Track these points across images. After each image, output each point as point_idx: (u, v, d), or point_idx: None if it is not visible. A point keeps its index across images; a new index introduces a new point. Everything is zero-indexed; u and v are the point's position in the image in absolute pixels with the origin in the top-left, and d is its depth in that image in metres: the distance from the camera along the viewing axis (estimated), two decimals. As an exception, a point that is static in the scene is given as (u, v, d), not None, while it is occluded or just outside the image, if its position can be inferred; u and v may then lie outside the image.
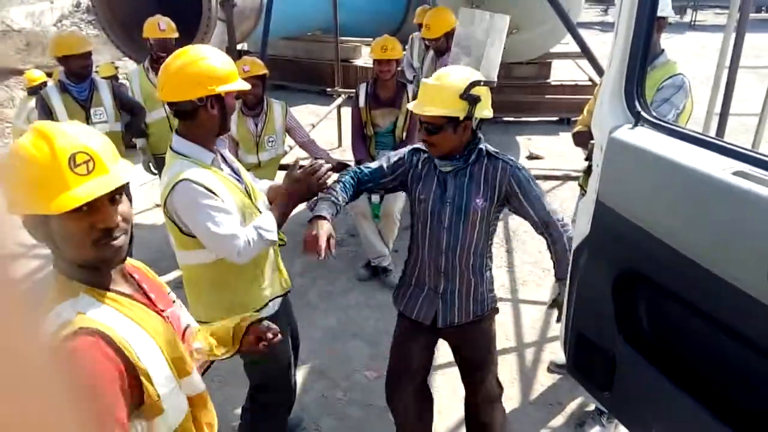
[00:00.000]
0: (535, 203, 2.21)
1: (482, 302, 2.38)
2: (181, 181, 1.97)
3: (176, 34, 4.54)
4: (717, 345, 1.34)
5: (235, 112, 4.07)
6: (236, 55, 5.08)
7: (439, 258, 2.30)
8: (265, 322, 1.78)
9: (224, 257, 2.06)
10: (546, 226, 2.22)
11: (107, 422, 1.12)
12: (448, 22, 4.57)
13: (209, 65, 1.97)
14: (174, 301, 1.56)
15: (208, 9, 5.72)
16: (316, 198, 2.26)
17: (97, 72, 7.01)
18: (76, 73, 3.88)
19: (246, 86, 2.09)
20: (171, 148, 2.08)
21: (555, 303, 2.36)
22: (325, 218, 2.11)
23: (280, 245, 2.51)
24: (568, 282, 1.91)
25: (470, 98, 2.08)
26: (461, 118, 2.10)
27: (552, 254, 2.27)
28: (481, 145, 2.24)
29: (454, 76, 2.13)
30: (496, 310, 2.48)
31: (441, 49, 4.64)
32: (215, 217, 1.96)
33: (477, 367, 2.50)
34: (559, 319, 2.39)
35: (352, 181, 2.34)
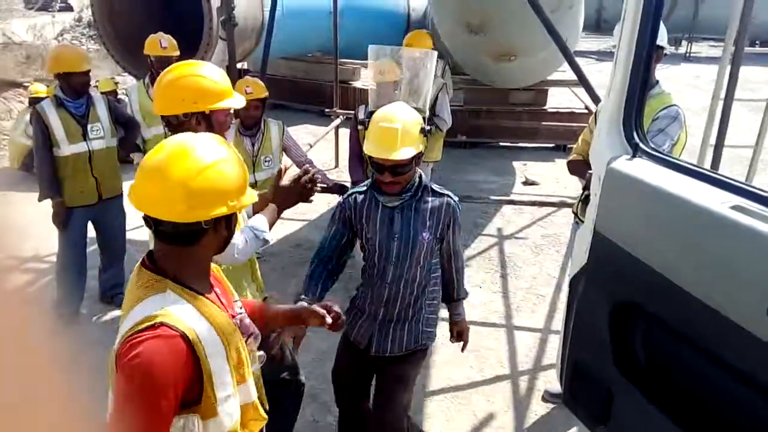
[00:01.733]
0: (456, 236, 2.42)
1: (417, 335, 2.44)
2: None
3: (177, 52, 4.56)
4: (715, 380, 1.33)
5: (232, 130, 4.11)
6: (236, 74, 5.10)
7: (383, 289, 2.37)
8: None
9: (220, 258, 2.03)
10: (455, 258, 2.48)
11: (152, 419, 1.21)
12: (425, 43, 4.77)
13: (196, 82, 1.98)
14: (241, 309, 1.59)
15: (209, 28, 5.77)
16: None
17: (96, 87, 7.04)
18: (76, 89, 3.86)
19: (237, 103, 2.09)
20: None
21: (456, 325, 2.60)
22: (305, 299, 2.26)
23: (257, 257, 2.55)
24: (565, 310, 1.90)
25: (425, 132, 2.23)
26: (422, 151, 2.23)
27: (452, 285, 2.53)
28: (425, 182, 2.34)
29: (406, 114, 2.24)
30: (425, 351, 2.54)
31: None
32: None
33: (389, 397, 2.53)
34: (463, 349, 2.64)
35: (319, 269, 2.42)
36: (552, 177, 7.32)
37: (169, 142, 1.38)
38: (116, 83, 7.67)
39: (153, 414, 1.22)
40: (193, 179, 1.29)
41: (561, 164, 7.65)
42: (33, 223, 4.91)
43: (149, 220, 1.34)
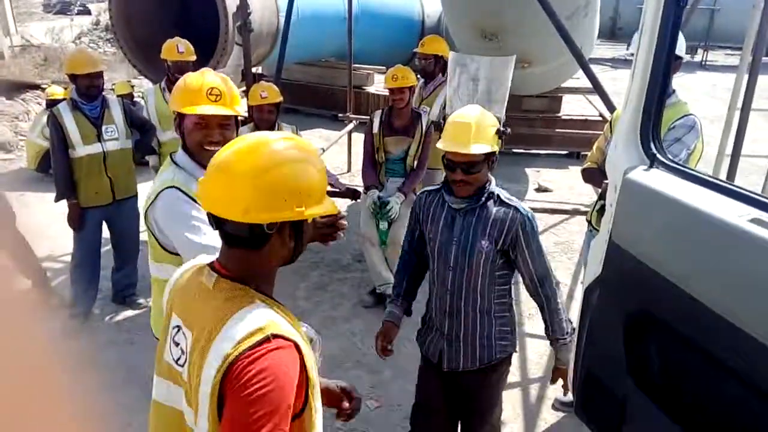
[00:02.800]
0: (535, 257, 2.21)
1: (489, 348, 2.31)
2: (168, 188, 1.96)
3: (194, 57, 4.60)
4: (730, 394, 1.32)
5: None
6: (252, 78, 5.14)
7: (444, 298, 2.30)
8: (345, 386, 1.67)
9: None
10: (541, 283, 2.24)
11: (276, 425, 1.14)
12: (441, 48, 4.77)
13: (179, 84, 2.02)
14: None
15: (225, 33, 5.82)
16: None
17: (112, 89, 7.12)
18: (83, 91, 3.92)
19: (210, 111, 1.95)
20: (170, 157, 2.09)
21: (558, 372, 2.33)
22: (393, 324, 2.43)
23: None
24: (578, 319, 1.89)
25: (501, 133, 2.15)
26: (495, 153, 2.16)
27: (544, 315, 2.28)
28: (494, 189, 2.24)
29: (482, 113, 2.19)
30: (508, 362, 2.41)
31: (428, 70, 4.84)
32: (197, 227, 1.89)
33: (474, 417, 2.48)
34: (566, 392, 2.39)
35: (408, 267, 2.49)
36: (565, 184, 7.29)
37: (249, 136, 1.30)
38: (132, 86, 7.74)
39: (280, 424, 1.15)
40: (258, 177, 1.19)
41: (574, 171, 7.62)
42: (48, 224, 4.97)
43: (212, 219, 1.28)
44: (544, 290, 2.24)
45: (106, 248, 4.37)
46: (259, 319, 1.20)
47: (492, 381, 2.41)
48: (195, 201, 1.88)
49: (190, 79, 2.00)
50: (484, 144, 2.11)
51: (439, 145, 2.20)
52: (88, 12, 18.26)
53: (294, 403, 1.19)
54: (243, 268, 1.29)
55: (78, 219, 3.99)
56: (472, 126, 2.11)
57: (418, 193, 2.45)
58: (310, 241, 2.03)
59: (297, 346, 1.21)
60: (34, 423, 0.45)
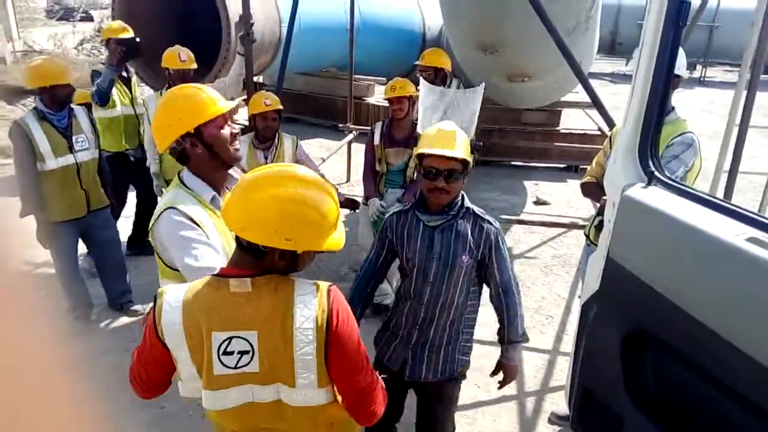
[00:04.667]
0: (502, 267, 2.32)
1: (452, 363, 2.40)
2: (167, 209, 1.93)
3: (195, 65, 4.61)
4: (727, 412, 1.32)
5: (245, 144, 4.16)
6: (253, 87, 5.17)
7: (419, 310, 2.34)
8: None
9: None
10: (505, 292, 2.34)
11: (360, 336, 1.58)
12: (441, 60, 4.83)
13: (176, 106, 1.94)
14: None
15: (227, 42, 5.85)
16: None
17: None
18: (61, 102, 3.76)
19: (227, 106, 1.98)
20: (178, 176, 2.06)
21: (505, 368, 2.43)
22: None
23: None
24: (576, 333, 1.89)
25: (474, 147, 2.24)
26: (470, 166, 2.22)
27: (502, 320, 2.38)
28: (467, 204, 2.31)
29: (457, 127, 2.27)
30: (464, 376, 2.50)
31: (429, 81, 4.84)
32: (194, 250, 1.88)
33: (431, 427, 2.52)
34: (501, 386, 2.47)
35: (360, 294, 2.46)
36: (563, 197, 7.31)
37: (275, 167, 1.55)
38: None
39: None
40: (264, 206, 1.43)
41: (572, 185, 7.64)
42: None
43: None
44: (507, 299, 2.36)
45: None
46: (310, 285, 1.52)
47: (449, 392, 2.48)
48: (193, 222, 1.89)
49: (191, 93, 1.98)
50: (466, 151, 2.19)
51: (423, 149, 2.21)
52: (90, 18, 18.34)
53: None
54: (257, 269, 1.50)
55: (49, 235, 3.81)
56: (456, 133, 2.20)
57: (386, 216, 2.44)
58: None
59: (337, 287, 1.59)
60: (33, 424, 0.46)
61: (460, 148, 2.17)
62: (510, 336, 2.40)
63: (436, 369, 2.39)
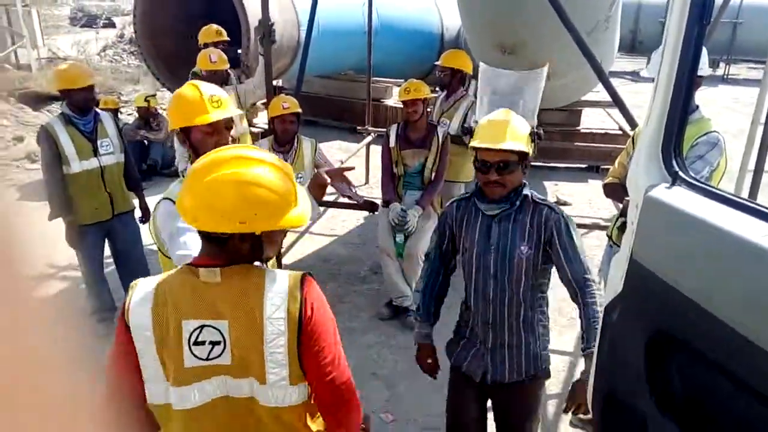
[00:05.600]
0: (570, 256, 2.12)
1: (535, 360, 2.27)
2: (163, 199, 2.01)
3: (227, 66, 4.71)
4: (754, 417, 1.29)
5: (265, 146, 4.19)
6: (272, 91, 5.21)
7: (487, 309, 2.23)
8: None
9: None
10: (580, 287, 2.12)
11: (336, 331, 1.55)
12: (459, 62, 4.83)
13: (174, 102, 2.06)
14: None
15: (247, 45, 5.91)
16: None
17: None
18: (78, 106, 3.82)
19: (215, 117, 1.99)
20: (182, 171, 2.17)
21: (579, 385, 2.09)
22: (426, 344, 2.45)
23: None
24: (598, 336, 1.86)
25: (534, 136, 2.14)
26: (529, 155, 2.15)
27: (581, 323, 2.14)
28: (527, 191, 2.20)
29: (514, 115, 2.18)
30: (548, 373, 2.35)
31: (444, 82, 4.91)
32: (185, 239, 1.90)
33: (514, 430, 2.40)
34: (575, 411, 2.13)
35: (434, 286, 2.44)
36: (584, 198, 7.24)
37: (225, 150, 1.47)
38: (117, 101, 7.82)
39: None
40: (207, 191, 1.38)
41: (593, 185, 7.56)
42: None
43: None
44: (583, 298, 2.12)
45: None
46: (283, 273, 1.50)
47: (535, 392, 2.36)
48: None
49: (186, 93, 2.03)
50: (519, 142, 2.09)
51: (473, 143, 2.15)
52: (113, 25, 18.65)
53: None
54: (224, 257, 1.46)
55: (76, 237, 3.89)
56: (508, 123, 2.10)
57: (447, 204, 2.40)
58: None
59: (312, 275, 1.57)
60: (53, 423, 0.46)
61: (514, 139, 2.08)
62: (584, 344, 2.09)
63: (520, 368, 2.26)
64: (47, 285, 4.78)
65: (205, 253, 1.49)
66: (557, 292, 4.82)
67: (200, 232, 1.45)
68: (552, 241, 2.13)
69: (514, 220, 2.16)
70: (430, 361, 2.44)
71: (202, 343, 1.43)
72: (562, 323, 4.47)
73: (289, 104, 4.00)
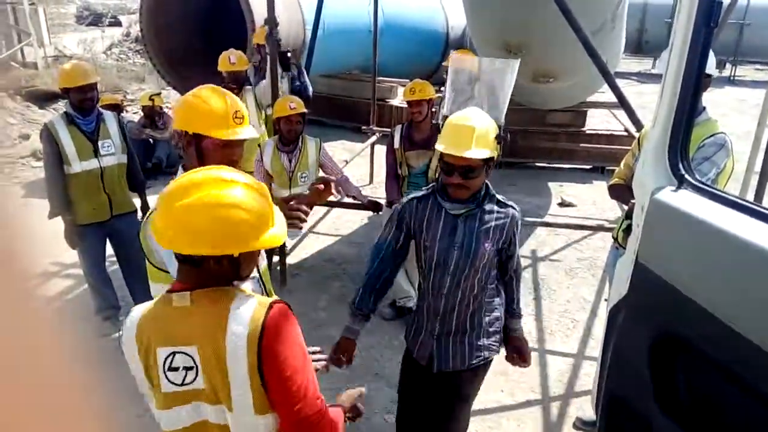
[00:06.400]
0: (515, 249, 2.35)
1: (479, 348, 2.36)
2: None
3: (247, 66, 4.72)
4: (760, 421, 1.29)
5: (269, 146, 4.19)
6: (277, 91, 5.22)
7: (439, 301, 2.30)
8: None
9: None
10: (513, 269, 2.40)
11: (310, 363, 1.50)
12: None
13: (191, 103, 1.96)
14: None
15: (252, 45, 5.90)
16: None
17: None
18: (80, 104, 3.78)
19: (230, 136, 1.95)
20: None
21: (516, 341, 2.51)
22: (351, 340, 2.42)
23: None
24: (603, 339, 1.86)
25: (500, 138, 2.17)
26: (494, 158, 2.16)
27: (510, 291, 2.44)
28: (491, 191, 2.27)
29: (481, 118, 2.17)
30: (487, 364, 2.45)
31: None
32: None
33: (453, 416, 2.46)
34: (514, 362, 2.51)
35: (378, 280, 2.42)
36: (589, 199, 7.22)
37: (199, 172, 1.44)
38: (121, 99, 7.73)
39: (310, 362, 1.51)
40: (184, 212, 1.35)
41: (598, 186, 7.54)
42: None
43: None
44: (515, 273, 2.42)
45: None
46: (251, 299, 1.44)
47: (476, 380, 2.45)
48: None
49: (212, 101, 1.97)
50: (485, 149, 2.09)
51: (438, 146, 2.16)
52: (119, 24, 18.70)
53: None
54: (199, 280, 1.45)
55: (75, 236, 3.89)
56: (474, 129, 2.09)
57: (403, 200, 2.39)
58: None
59: (288, 304, 1.49)
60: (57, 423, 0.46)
61: (480, 146, 2.09)
62: (518, 307, 2.48)
63: (463, 357, 2.35)
64: (53, 283, 4.80)
65: (180, 278, 1.48)
66: (561, 295, 4.84)
67: (176, 255, 1.43)
68: (510, 240, 2.30)
69: (479, 218, 2.22)
70: (344, 357, 2.40)
71: (176, 369, 1.45)
72: (567, 325, 4.46)
73: (296, 104, 4.00)
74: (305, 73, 5.06)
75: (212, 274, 1.43)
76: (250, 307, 1.42)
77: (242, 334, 1.38)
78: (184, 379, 1.45)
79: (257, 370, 1.39)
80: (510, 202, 2.30)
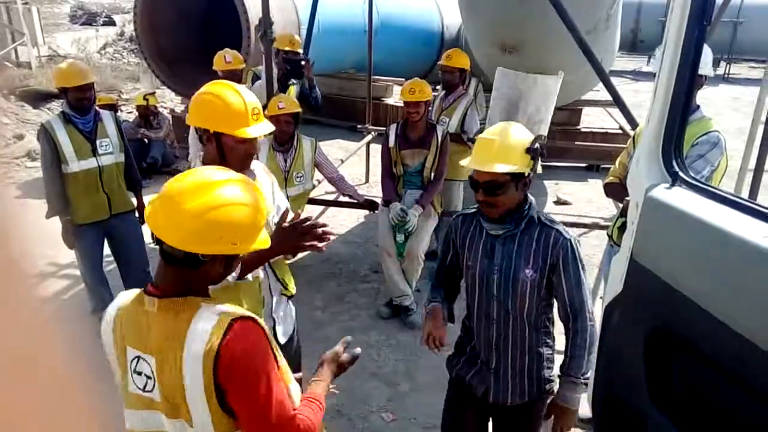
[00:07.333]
0: (571, 285, 2.06)
1: (538, 381, 2.20)
2: None
3: (243, 65, 4.71)
4: (752, 416, 1.30)
5: (264, 146, 4.18)
6: (272, 89, 5.23)
7: (490, 329, 2.17)
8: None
9: None
10: (574, 316, 2.09)
11: (276, 381, 1.40)
12: (465, 62, 4.93)
13: (212, 102, 2.00)
14: None
15: (247, 45, 5.90)
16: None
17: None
18: (77, 104, 3.78)
19: (253, 133, 2.02)
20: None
21: (554, 408, 2.13)
22: (439, 309, 2.28)
23: (289, 296, 2.51)
24: (598, 335, 1.87)
25: (534, 152, 1.99)
26: (525, 174, 2.02)
27: (566, 348, 2.12)
28: (534, 213, 2.10)
29: (515, 130, 2.05)
30: (552, 393, 2.25)
31: (452, 83, 4.98)
32: None
33: None
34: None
35: (442, 283, 2.39)
36: (584, 197, 7.23)
37: (198, 172, 1.45)
38: (116, 99, 7.72)
39: (280, 380, 1.42)
40: (200, 216, 1.35)
41: (593, 184, 7.56)
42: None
43: (154, 237, 1.41)
44: (575, 324, 2.09)
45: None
46: (213, 315, 1.38)
47: (538, 414, 2.26)
48: None
49: (230, 98, 2.01)
50: (509, 164, 1.96)
51: (464, 161, 2.10)
52: (113, 23, 18.61)
53: None
54: (180, 284, 1.43)
55: (72, 236, 3.87)
56: (495, 143, 1.99)
57: (453, 217, 2.32)
58: (287, 252, 2.22)
59: (254, 320, 1.42)
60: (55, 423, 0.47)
61: (504, 160, 1.96)
62: (571, 369, 2.06)
63: (522, 392, 2.20)
64: (49, 283, 4.79)
65: (157, 280, 1.46)
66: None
67: (164, 256, 1.42)
68: (557, 266, 2.06)
69: (518, 241, 2.08)
70: (433, 326, 2.23)
71: (140, 373, 1.44)
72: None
73: (285, 104, 3.97)
74: (317, 87, 5.02)
75: (201, 277, 1.43)
76: (209, 323, 1.36)
77: (198, 354, 1.34)
78: (145, 386, 1.44)
79: (213, 391, 1.35)
80: (558, 225, 2.10)
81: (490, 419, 2.38)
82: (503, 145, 1.99)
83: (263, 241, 1.47)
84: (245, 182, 1.47)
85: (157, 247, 1.44)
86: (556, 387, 2.20)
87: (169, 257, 1.40)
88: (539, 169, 2.12)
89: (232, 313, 1.40)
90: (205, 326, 1.36)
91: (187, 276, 1.42)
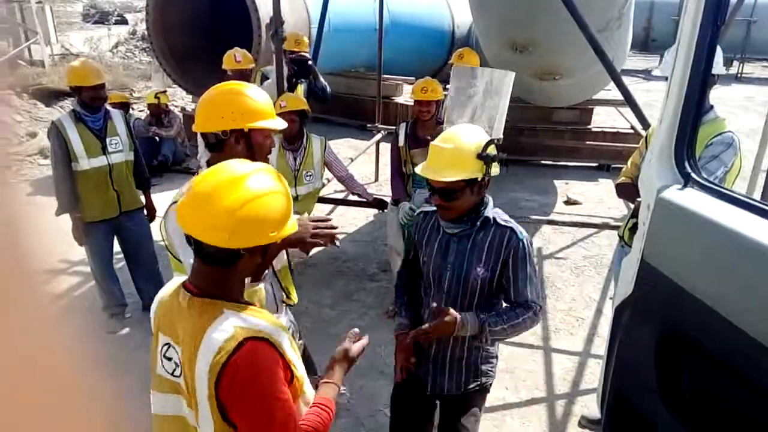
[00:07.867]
0: (521, 287, 2.12)
1: (475, 374, 2.28)
2: (175, 202, 1.96)
3: (252, 65, 4.73)
4: (765, 419, 1.28)
5: (275, 148, 4.19)
6: (283, 87, 5.24)
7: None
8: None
9: None
10: (520, 305, 2.13)
11: (281, 402, 1.38)
12: (475, 60, 4.87)
13: (238, 100, 1.96)
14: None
15: (258, 44, 5.91)
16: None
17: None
18: (89, 103, 3.83)
19: (279, 125, 2.05)
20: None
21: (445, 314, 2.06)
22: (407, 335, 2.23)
23: (288, 305, 2.49)
24: (608, 336, 1.86)
25: (486, 158, 2.02)
26: (479, 179, 2.04)
27: (505, 311, 2.16)
28: (489, 213, 2.15)
29: (467, 136, 2.06)
30: (486, 389, 2.36)
31: None
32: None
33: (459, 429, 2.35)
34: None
35: (404, 280, 2.43)
36: (595, 197, 7.19)
37: (223, 169, 1.43)
38: (128, 97, 7.74)
39: (286, 400, 1.39)
40: (239, 209, 1.35)
41: (604, 184, 7.52)
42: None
43: (191, 240, 1.41)
44: (517, 306, 2.14)
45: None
46: (228, 328, 1.37)
47: (474, 405, 2.32)
48: None
49: (259, 97, 2.01)
50: (460, 171, 1.99)
51: (416, 168, 2.15)
52: (125, 22, 18.74)
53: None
54: (214, 284, 1.45)
55: (82, 233, 3.92)
56: (446, 151, 2.02)
57: (415, 214, 2.38)
58: (293, 246, 2.12)
59: (268, 339, 1.40)
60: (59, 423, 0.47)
61: (455, 168, 1.99)
62: (489, 316, 2.10)
63: (459, 381, 2.29)
64: (61, 280, 4.83)
65: (193, 273, 1.48)
66: (566, 293, 4.83)
67: (200, 254, 1.42)
68: (508, 263, 2.12)
69: (473, 240, 2.13)
70: (403, 354, 2.29)
71: (170, 359, 1.49)
72: (572, 323, 4.45)
73: (288, 103, 3.97)
74: (320, 76, 5.03)
75: (233, 275, 1.45)
76: (223, 335, 1.37)
77: (206, 364, 1.36)
78: (173, 371, 1.49)
79: (215, 400, 1.37)
80: (511, 224, 2.15)
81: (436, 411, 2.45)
82: (454, 152, 2.02)
83: (293, 225, 1.49)
84: (269, 170, 1.48)
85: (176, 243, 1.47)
86: (492, 382, 2.34)
87: (208, 256, 1.41)
88: (496, 171, 2.11)
89: (248, 330, 1.39)
90: (218, 337, 1.36)
91: (222, 275, 1.44)
